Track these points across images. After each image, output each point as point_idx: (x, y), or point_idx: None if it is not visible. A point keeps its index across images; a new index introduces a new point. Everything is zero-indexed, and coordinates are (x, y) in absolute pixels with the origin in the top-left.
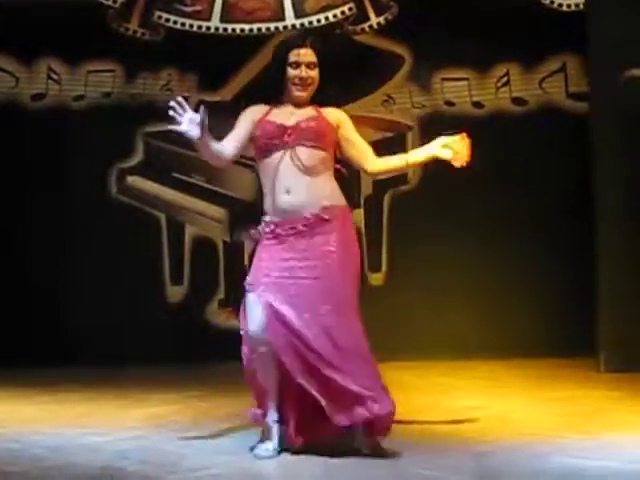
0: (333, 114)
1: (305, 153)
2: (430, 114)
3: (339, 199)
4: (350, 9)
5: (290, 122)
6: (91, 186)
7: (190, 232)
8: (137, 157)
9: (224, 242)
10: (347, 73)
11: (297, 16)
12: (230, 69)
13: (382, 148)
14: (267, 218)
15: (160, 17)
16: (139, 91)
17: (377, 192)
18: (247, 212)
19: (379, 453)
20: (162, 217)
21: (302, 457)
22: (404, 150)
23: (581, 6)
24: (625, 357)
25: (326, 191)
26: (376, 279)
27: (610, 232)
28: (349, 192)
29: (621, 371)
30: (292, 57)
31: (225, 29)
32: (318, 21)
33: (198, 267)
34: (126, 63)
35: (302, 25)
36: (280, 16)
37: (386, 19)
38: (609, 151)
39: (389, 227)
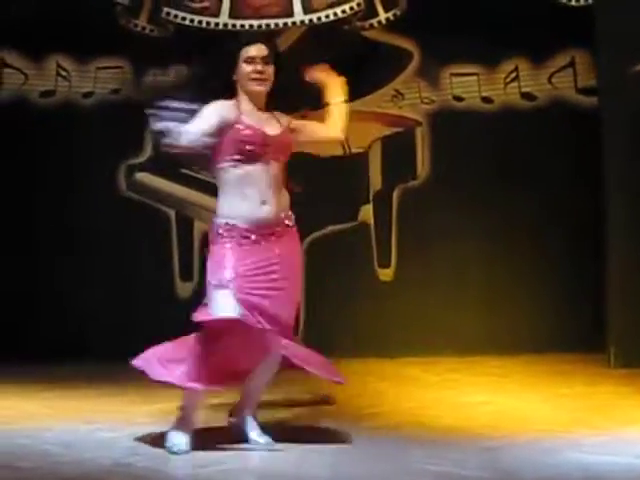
0: (287, 121)
1: (277, 167)
2: (439, 109)
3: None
4: (359, 5)
5: (271, 132)
6: (100, 183)
7: (199, 228)
8: (146, 153)
9: None
10: (356, 69)
11: (306, 12)
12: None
13: (391, 144)
14: (232, 222)
15: (169, 14)
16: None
17: (386, 188)
18: None
19: None
20: (171, 213)
21: (309, 451)
22: (413, 146)
23: (590, 1)
24: (635, 353)
25: (286, 201)
26: (385, 275)
27: (621, 226)
28: (358, 188)
29: (631, 367)
30: (246, 53)
31: (234, 25)
32: (327, 17)
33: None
34: (135, 60)
35: (311, 21)
36: (289, 12)
37: (395, 15)
38: (618, 145)
39: (398, 223)
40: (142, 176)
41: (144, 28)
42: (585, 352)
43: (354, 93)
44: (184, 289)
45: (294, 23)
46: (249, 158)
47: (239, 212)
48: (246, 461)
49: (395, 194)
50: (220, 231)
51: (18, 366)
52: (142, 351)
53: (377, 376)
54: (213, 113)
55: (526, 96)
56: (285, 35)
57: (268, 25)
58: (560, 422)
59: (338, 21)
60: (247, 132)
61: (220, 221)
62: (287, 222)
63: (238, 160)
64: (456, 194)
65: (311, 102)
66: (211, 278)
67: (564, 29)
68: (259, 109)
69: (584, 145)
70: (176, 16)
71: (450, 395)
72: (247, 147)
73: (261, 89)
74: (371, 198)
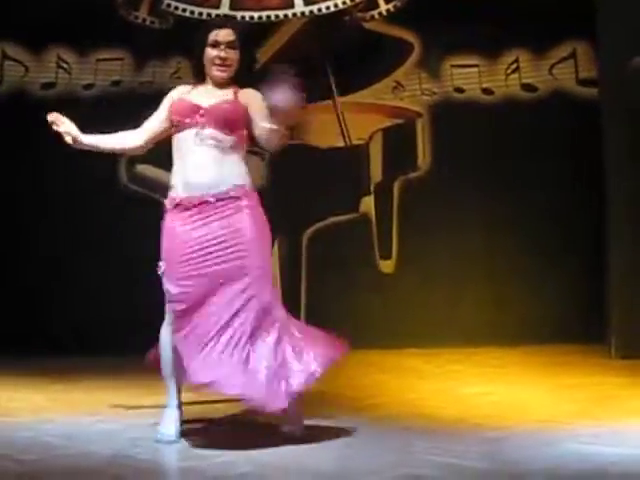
0: (246, 95)
1: (215, 134)
2: (440, 101)
3: (245, 180)
4: None
5: (205, 103)
6: (101, 174)
7: None
8: None
9: None
10: (356, 60)
11: (306, 3)
12: None
13: (392, 135)
14: (173, 194)
15: (169, 5)
16: (149, 79)
17: (387, 179)
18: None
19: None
20: None
21: (313, 445)
22: (414, 137)
23: None
24: (636, 343)
25: (234, 171)
26: (386, 266)
27: (621, 217)
28: (359, 179)
29: (632, 357)
30: (212, 37)
31: (234, 17)
32: (327, 8)
33: None
34: (135, 51)
35: (311, 13)
36: (289, 3)
37: (395, 6)
38: (619, 136)
39: (399, 214)
40: (143, 168)
41: (145, 20)
42: (586, 343)
43: (355, 85)
44: None
45: (295, 14)
46: (181, 128)
47: (176, 181)
48: (246, 453)
49: (396, 186)
50: (166, 204)
51: (20, 359)
52: (146, 343)
53: (378, 367)
54: (163, 103)
55: (527, 87)
56: (286, 26)
57: (269, 17)
58: (561, 413)
59: (339, 12)
60: (179, 105)
61: (169, 195)
62: (232, 194)
63: (175, 132)
64: (457, 185)
65: (312, 94)
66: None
67: (565, 20)
68: (218, 87)
69: (585, 136)
70: (177, 8)
71: (451, 386)
72: (177, 118)
73: (222, 75)
74: (372, 190)
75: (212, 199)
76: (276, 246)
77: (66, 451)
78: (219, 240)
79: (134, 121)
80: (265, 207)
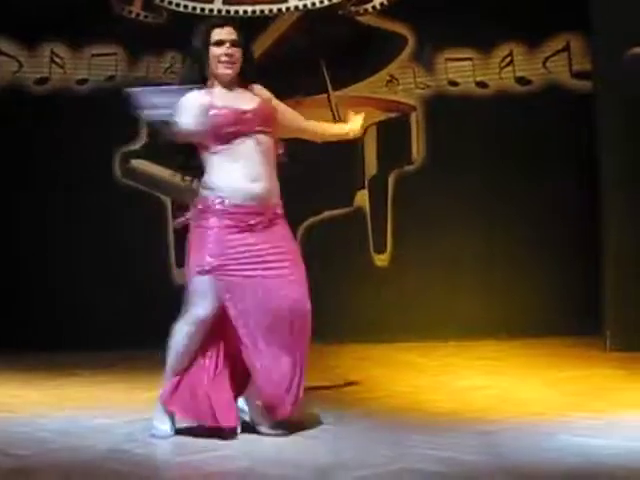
0: (266, 93)
1: (266, 141)
2: (434, 94)
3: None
4: None
5: (246, 106)
6: (95, 170)
7: None
8: (141, 140)
9: None
10: (350, 54)
11: None
12: None
13: (386, 129)
14: (222, 194)
15: (163, 0)
16: (143, 74)
17: (381, 173)
18: None
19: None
20: (167, 200)
21: (309, 438)
22: (408, 131)
23: None
24: (631, 336)
25: (274, 181)
26: (381, 260)
27: (616, 211)
28: (354, 173)
29: (627, 350)
30: (215, 36)
31: (228, 11)
32: (321, 2)
33: None
34: (129, 46)
35: (305, 7)
36: None
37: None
38: (613, 129)
39: (394, 208)
40: (137, 163)
41: (138, 14)
42: (581, 336)
43: (349, 78)
44: (180, 276)
45: (288, 9)
46: (232, 137)
47: (230, 185)
48: (242, 447)
49: (390, 179)
50: (208, 204)
51: (16, 355)
52: (139, 337)
53: (374, 361)
54: (192, 104)
55: (521, 80)
56: (279, 21)
57: (262, 11)
58: (556, 405)
59: (332, 6)
60: (222, 113)
61: (207, 194)
62: (277, 210)
63: (223, 142)
64: (451, 179)
65: (306, 89)
66: (192, 262)
67: (559, 13)
68: (230, 88)
69: (579, 129)
70: (170, 2)
71: (447, 379)
72: (226, 129)
73: (229, 72)
74: (366, 183)
75: (260, 209)
76: None
77: (61, 446)
78: (264, 249)
79: (128, 116)
80: None
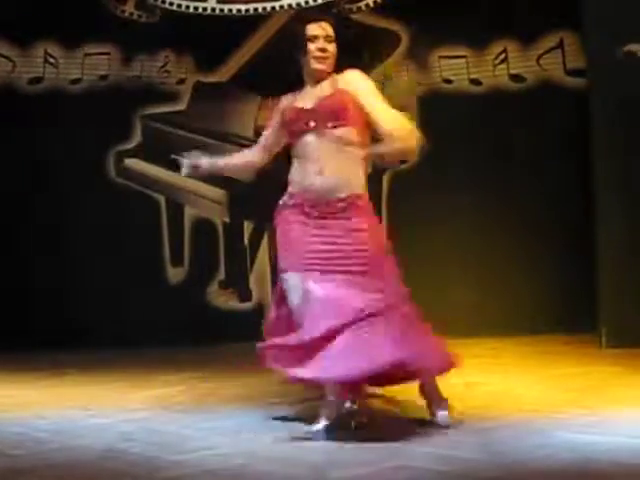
0: (347, 80)
1: (334, 132)
2: (428, 92)
3: (361, 182)
4: None
5: (309, 105)
6: (89, 169)
7: (189, 214)
8: (135, 139)
9: (224, 223)
10: (344, 52)
11: None
12: (227, 50)
13: None
14: (292, 190)
15: None
16: (136, 73)
17: (376, 171)
18: (246, 193)
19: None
20: (161, 199)
21: (302, 438)
22: None
23: None
24: (626, 333)
25: (352, 174)
26: None
27: (611, 208)
28: None
29: (622, 347)
30: (310, 31)
31: (222, 10)
32: (315, 0)
33: (198, 248)
34: (123, 45)
35: (298, 5)
36: None
37: None
38: (607, 126)
39: (388, 206)
40: (131, 162)
41: (132, 14)
42: (577, 333)
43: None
44: (175, 274)
45: (282, 7)
46: (297, 135)
47: (299, 181)
48: (238, 445)
49: (385, 177)
50: (283, 200)
51: (12, 355)
52: (134, 336)
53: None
54: (274, 117)
55: (515, 78)
56: (273, 19)
57: (256, 9)
58: (552, 402)
59: (326, 4)
60: (288, 114)
61: (287, 190)
62: (353, 197)
63: (292, 139)
64: (446, 176)
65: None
66: (279, 259)
67: (552, 10)
68: (317, 84)
69: (573, 126)
70: (164, 1)
71: (443, 377)
72: (290, 126)
73: (322, 67)
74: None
75: (331, 202)
76: (265, 238)
77: (56, 446)
78: (340, 243)
79: (122, 115)
80: (254, 200)
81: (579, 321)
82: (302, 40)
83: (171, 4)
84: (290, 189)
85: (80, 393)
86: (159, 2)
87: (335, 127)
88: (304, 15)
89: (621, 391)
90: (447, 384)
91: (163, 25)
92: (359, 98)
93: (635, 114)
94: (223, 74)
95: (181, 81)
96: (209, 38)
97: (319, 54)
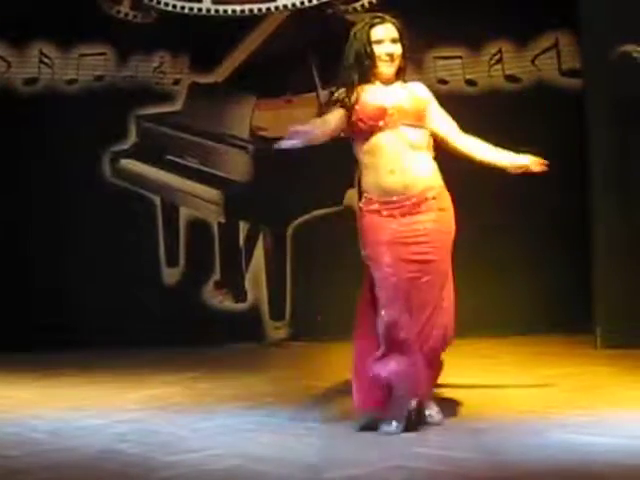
0: (421, 89)
1: (408, 132)
2: None
3: (438, 180)
4: None
5: (388, 103)
6: (85, 170)
7: (185, 214)
8: (131, 140)
9: (219, 224)
10: (339, 52)
11: None
12: (222, 51)
13: None
14: (370, 195)
15: None
16: (131, 74)
17: None
18: (241, 193)
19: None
20: (157, 199)
21: (301, 436)
22: None
23: None
24: (621, 334)
25: (427, 172)
26: None
27: (607, 209)
28: (343, 172)
29: (618, 347)
30: (375, 35)
31: (217, 10)
32: (310, 1)
33: (193, 249)
34: (118, 46)
35: (294, 6)
36: None
37: None
38: (602, 127)
39: None
40: (127, 162)
41: (127, 14)
42: (572, 334)
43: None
44: (170, 275)
45: (277, 8)
46: (371, 132)
47: (371, 183)
48: (234, 446)
49: None
50: (361, 205)
51: (8, 355)
52: (129, 337)
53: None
54: (334, 112)
55: (510, 78)
56: (268, 20)
57: (251, 10)
58: (547, 403)
59: (321, 5)
60: (363, 108)
61: (364, 195)
62: (428, 195)
63: (363, 136)
64: (442, 177)
65: (295, 87)
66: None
67: (548, 11)
68: (388, 84)
69: (568, 127)
70: (159, 2)
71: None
72: (365, 122)
73: (390, 70)
74: (356, 182)
75: (406, 202)
76: (260, 238)
77: (52, 447)
78: (413, 240)
79: (118, 115)
80: (250, 200)
81: (575, 322)
82: (367, 41)
83: (166, 5)
84: (366, 194)
85: (76, 393)
86: (154, 3)
87: (412, 127)
88: (371, 18)
89: (616, 392)
90: (443, 384)
91: (158, 26)
92: (431, 108)
93: (630, 114)
94: (218, 75)
95: (176, 82)
96: (204, 39)
97: (387, 57)
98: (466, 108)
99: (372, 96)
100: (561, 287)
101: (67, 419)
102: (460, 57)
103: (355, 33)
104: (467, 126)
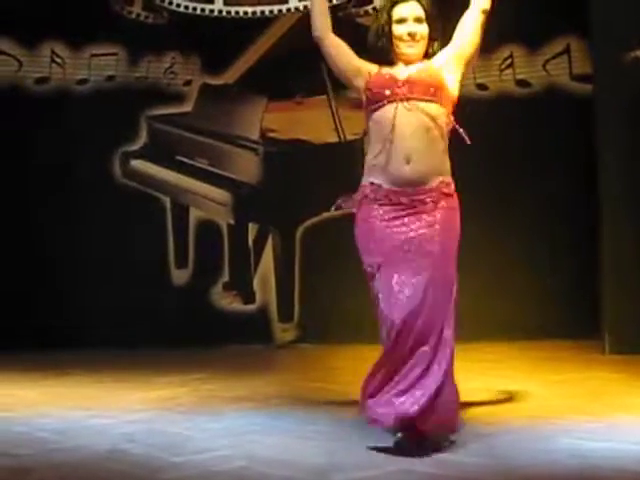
0: (437, 58)
1: (419, 105)
2: None
3: (448, 175)
4: None
5: (402, 76)
6: (95, 170)
7: (194, 215)
8: (141, 141)
9: (228, 225)
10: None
11: None
12: (234, 52)
13: None
14: (376, 181)
15: (163, 0)
16: (143, 74)
17: None
18: (251, 195)
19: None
20: (167, 200)
21: (306, 439)
22: None
23: None
24: (629, 339)
25: (439, 165)
26: None
27: (615, 214)
28: (353, 175)
29: (626, 353)
30: (397, 13)
31: (229, 12)
32: None
33: (203, 250)
34: (130, 46)
35: (305, 8)
36: None
37: None
38: (613, 132)
39: None
40: (137, 163)
41: (139, 15)
42: (580, 339)
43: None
44: (179, 276)
45: (289, 10)
46: (379, 102)
47: (378, 169)
48: (240, 447)
49: None
50: (365, 193)
51: (15, 354)
52: (138, 337)
53: (371, 363)
54: (354, 55)
55: (521, 83)
56: (280, 22)
57: (263, 12)
58: (555, 408)
59: (332, 8)
60: (375, 77)
61: (365, 180)
62: (444, 189)
63: (373, 104)
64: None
65: (306, 88)
66: (363, 260)
67: (559, 15)
68: (407, 63)
69: (579, 132)
70: (171, 2)
71: None
72: (373, 90)
73: (412, 52)
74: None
75: (417, 196)
76: (270, 240)
77: (60, 446)
78: (415, 240)
79: (128, 116)
80: (259, 202)
81: (582, 327)
82: (389, 20)
83: (178, 5)
84: (371, 179)
85: (83, 393)
86: (166, 3)
87: (426, 102)
88: None
89: (624, 397)
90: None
91: (170, 26)
92: (445, 59)
93: None
94: (230, 76)
95: (187, 82)
96: (216, 40)
97: (407, 38)
98: (477, 112)
99: (388, 70)
100: (569, 291)
101: (74, 419)
102: None
103: (378, 12)
104: (477, 130)
